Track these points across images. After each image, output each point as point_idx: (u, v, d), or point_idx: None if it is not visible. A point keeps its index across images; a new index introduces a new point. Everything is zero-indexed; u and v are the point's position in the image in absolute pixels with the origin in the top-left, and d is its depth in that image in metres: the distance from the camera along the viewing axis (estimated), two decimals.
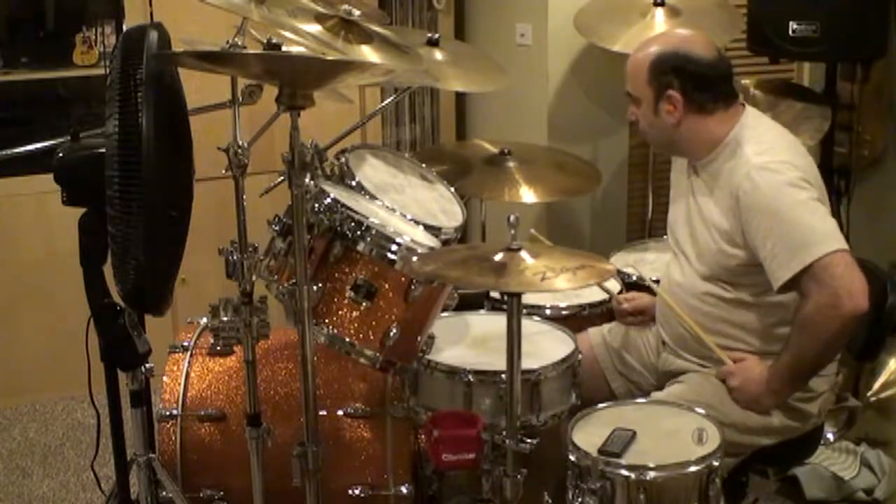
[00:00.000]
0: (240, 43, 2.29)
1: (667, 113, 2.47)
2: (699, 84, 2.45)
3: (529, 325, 2.65)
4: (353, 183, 2.47)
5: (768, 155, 2.40)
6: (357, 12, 2.53)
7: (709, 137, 2.48)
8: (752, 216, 2.36)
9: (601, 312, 2.92)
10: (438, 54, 3.19)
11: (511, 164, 3.35)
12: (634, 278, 3.01)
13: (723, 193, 2.44)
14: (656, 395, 2.54)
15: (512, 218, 2.10)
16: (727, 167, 2.44)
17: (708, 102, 2.46)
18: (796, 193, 2.34)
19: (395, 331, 2.32)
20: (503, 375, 2.23)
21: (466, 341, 2.63)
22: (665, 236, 2.80)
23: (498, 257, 2.08)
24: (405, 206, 2.49)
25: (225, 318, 2.29)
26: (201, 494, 2.63)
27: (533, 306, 2.84)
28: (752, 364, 2.45)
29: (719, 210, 2.44)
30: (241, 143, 2.21)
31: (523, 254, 2.08)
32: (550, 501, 2.37)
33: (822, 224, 2.33)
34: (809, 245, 2.29)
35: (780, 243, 2.32)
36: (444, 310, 2.53)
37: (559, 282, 2.01)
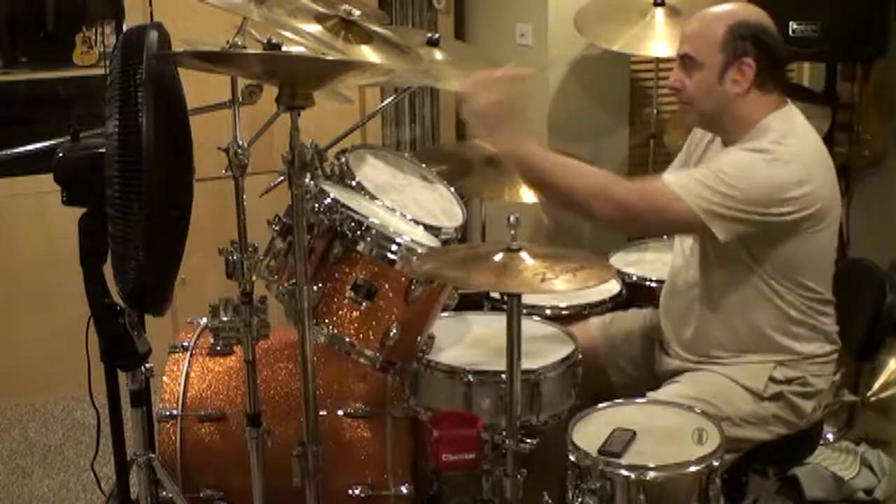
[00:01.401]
0: (240, 43, 2.30)
1: (733, 82, 2.38)
2: (772, 61, 2.40)
3: (529, 325, 2.65)
4: (353, 183, 2.47)
5: (781, 150, 2.33)
6: (357, 12, 2.54)
7: (756, 117, 2.41)
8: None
9: (601, 312, 2.91)
10: (438, 54, 3.18)
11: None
12: (635, 277, 3.02)
13: None
14: (655, 394, 2.54)
15: (512, 218, 2.10)
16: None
17: (769, 82, 2.40)
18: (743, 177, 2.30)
19: (395, 331, 2.32)
20: (503, 375, 2.22)
21: (466, 341, 2.63)
22: (665, 236, 2.78)
23: (498, 257, 2.08)
24: (405, 206, 2.49)
25: (225, 318, 2.29)
26: (201, 494, 2.63)
27: (533, 306, 2.84)
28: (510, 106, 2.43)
29: None
30: (241, 143, 2.21)
31: (523, 254, 2.07)
32: (550, 501, 2.38)
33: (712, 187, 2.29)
34: (693, 195, 2.29)
35: (697, 171, 2.35)
36: (444, 310, 2.53)
37: (559, 283, 2.01)
